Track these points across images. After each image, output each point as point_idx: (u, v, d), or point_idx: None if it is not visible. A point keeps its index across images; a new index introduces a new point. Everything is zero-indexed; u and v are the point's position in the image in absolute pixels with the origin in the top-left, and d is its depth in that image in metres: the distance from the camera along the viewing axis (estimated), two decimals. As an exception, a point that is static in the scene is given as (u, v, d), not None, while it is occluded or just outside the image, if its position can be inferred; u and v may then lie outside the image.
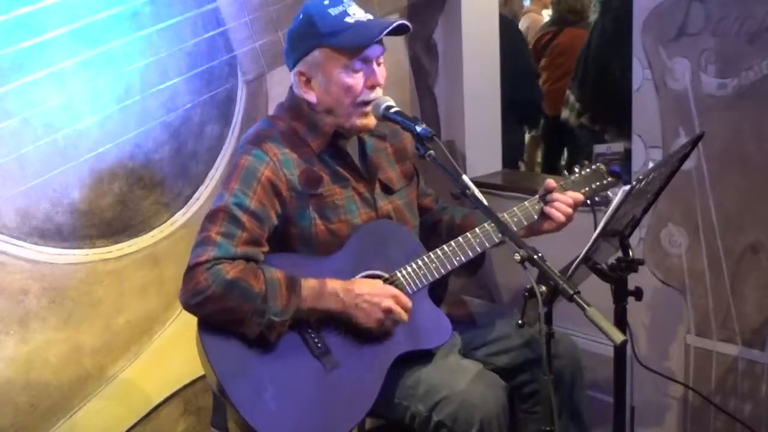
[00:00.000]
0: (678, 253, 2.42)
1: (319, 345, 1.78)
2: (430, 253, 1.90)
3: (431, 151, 1.72)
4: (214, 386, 1.75)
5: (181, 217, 2.44)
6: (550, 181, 2.00)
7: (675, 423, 2.52)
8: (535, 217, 1.96)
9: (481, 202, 1.67)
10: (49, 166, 2.16)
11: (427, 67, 3.11)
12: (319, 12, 1.81)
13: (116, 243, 2.32)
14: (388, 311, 1.77)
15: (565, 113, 4.54)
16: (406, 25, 1.82)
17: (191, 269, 1.73)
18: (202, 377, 2.53)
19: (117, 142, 2.28)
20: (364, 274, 1.87)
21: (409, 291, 1.86)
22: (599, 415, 2.12)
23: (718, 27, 2.21)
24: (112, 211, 2.30)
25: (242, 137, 1.93)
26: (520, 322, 1.63)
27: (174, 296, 2.43)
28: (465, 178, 1.69)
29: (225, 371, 1.71)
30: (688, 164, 2.23)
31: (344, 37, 1.78)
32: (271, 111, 2.54)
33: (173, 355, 2.45)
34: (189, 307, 1.74)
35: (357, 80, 1.81)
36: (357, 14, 1.82)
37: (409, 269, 1.87)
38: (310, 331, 1.79)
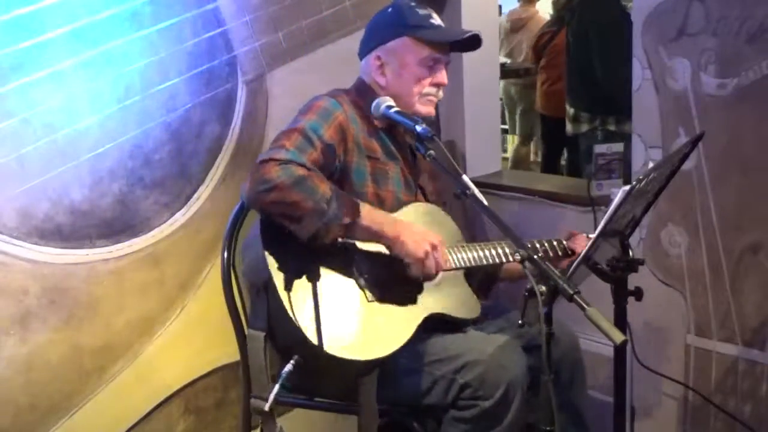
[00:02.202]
0: (678, 253, 2.42)
1: (366, 276, 1.84)
2: (471, 244, 2.01)
3: (431, 151, 1.75)
4: (263, 274, 1.76)
5: (181, 217, 2.44)
6: (575, 231, 2.18)
7: (675, 423, 2.52)
8: (559, 253, 2.10)
9: (481, 202, 1.68)
10: (49, 166, 2.16)
11: (427, 67, 3.11)
12: (409, 8, 2.01)
13: (116, 243, 2.32)
14: (434, 247, 1.82)
15: (568, 127, 4.57)
16: (479, 39, 2.03)
17: (262, 163, 1.74)
18: (202, 377, 2.54)
19: (117, 142, 2.28)
20: None
21: (452, 266, 1.92)
22: (599, 415, 2.12)
23: (718, 27, 2.21)
24: (112, 211, 2.30)
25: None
26: (520, 322, 1.64)
27: (174, 296, 2.44)
28: (465, 178, 1.70)
29: (275, 264, 1.75)
30: (688, 164, 2.23)
31: (430, 32, 1.98)
32: (271, 111, 2.56)
33: (173, 355, 2.45)
34: (255, 195, 1.73)
35: (427, 75, 1.99)
36: (438, 20, 2.03)
37: (450, 249, 1.94)
38: (361, 265, 1.85)
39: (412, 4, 2.03)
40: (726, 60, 2.21)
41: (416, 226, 1.85)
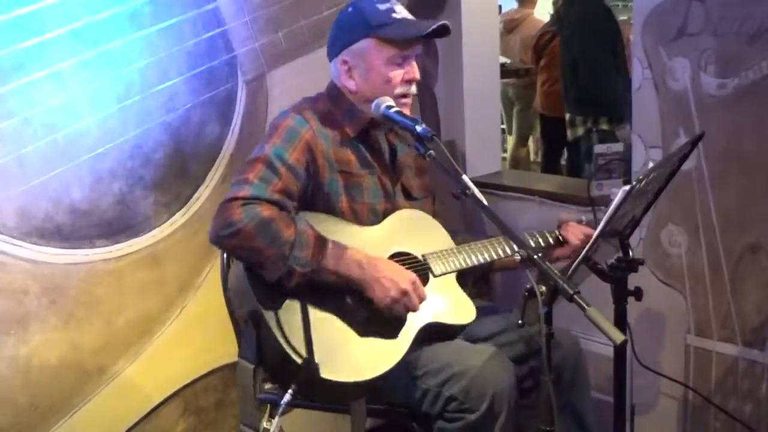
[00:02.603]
0: (678, 253, 2.42)
1: (356, 295, 1.81)
2: (459, 246, 1.98)
3: (431, 151, 1.74)
4: (248, 306, 1.76)
5: (181, 217, 2.44)
6: (564, 216, 2.16)
7: (675, 423, 2.52)
8: (551, 242, 2.09)
9: (481, 202, 1.68)
10: (49, 166, 2.16)
11: (427, 67, 3.11)
12: (369, 6, 1.91)
13: (116, 243, 2.32)
14: (404, 293, 1.79)
15: (568, 133, 4.59)
16: (448, 27, 1.93)
17: (226, 203, 1.74)
18: (202, 377, 2.54)
19: (117, 142, 2.28)
20: (395, 250, 1.92)
21: (437, 272, 1.91)
22: (599, 415, 2.12)
23: (718, 27, 2.21)
24: (112, 211, 2.30)
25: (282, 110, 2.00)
26: (520, 322, 1.64)
27: (174, 296, 2.44)
28: (465, 178, 1.70)
29: (261, 293, 1.74)
30: (688, 164, 2.23)
31: (393, 30, 1.88)
32: (271, 111, 2.56)
33: (173, 355, 2.45)
34: (217, 238, 1.75)
35: (397, 73, 1.90)
36: (402, 12, 1.93)
37: (439, 254, 1.93)
38: None
39: None
40: (726, 60, 2.21)
41: (387, 266, 1.81)
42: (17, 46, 2.07)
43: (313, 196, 1.89)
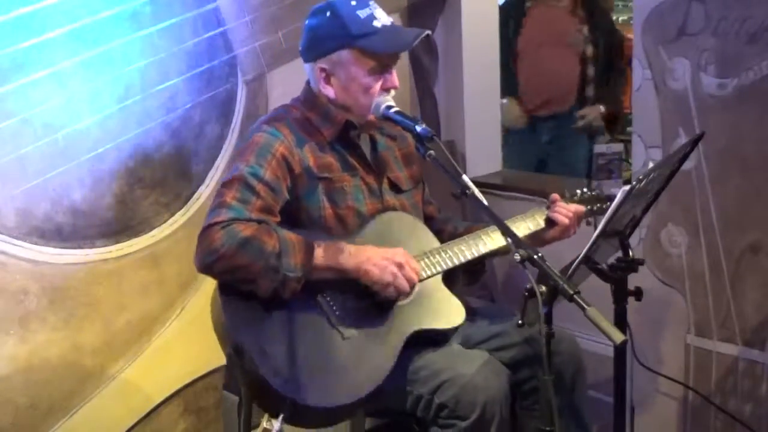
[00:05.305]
0: (678, 253, 2.42)
1: (337, 313, 1.79)
2: (443, 245, 1.95)
3: (431, 151, 1.74)
4: (228, 341, 1.76)
5: (181, 217, 2.45)
6: (555, 195, 2.09)
7: (675, 423, 2.52)
8: (541, 224, 2.04)
9: (481, 202, 1.68)
10: (49, 166, 2.16)
11: (427, 67, 3.11)
12: (348, 13, 1.85)
13: (116, 243, 2.32)
14: (400, 266, 1.79)
15: None
16: (429, 36, 1.91)
17: (206, 229, 1.73)
18: (202, 377, 2.54)
19: (117, 142, 2.28)
20: None
21: (423, 275, 1.88)
22: (599, 415, 2.12)
23: (718, 27, 2.21)
24: (112, 211, 2.30)
25: (257, 121, 1.98)
26: (520, 322, 1.63)
27: (174, 296, 2.44)
28: (465, 178, 1.70)
29: (240, 326, 1.73)
30: (688, 164, 2.23)
31: (377, 42, 1.84)
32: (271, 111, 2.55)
33: (173, 355, 2.45)
34: (204, 266, 1.74)
35: (377, 83, 1.88)
36: (382, 18, 1.87)
37: (423, 256, 1.90)
38: (329, 299, 1.81)
39: (352, 3, 1.86)
40: (726, 60, 2.21)
41: (375, 249, 1.79)
42: (17, 46, 2.07)
43: (295, 209, 1.87)
